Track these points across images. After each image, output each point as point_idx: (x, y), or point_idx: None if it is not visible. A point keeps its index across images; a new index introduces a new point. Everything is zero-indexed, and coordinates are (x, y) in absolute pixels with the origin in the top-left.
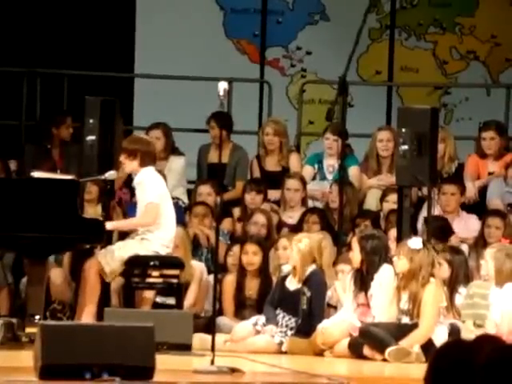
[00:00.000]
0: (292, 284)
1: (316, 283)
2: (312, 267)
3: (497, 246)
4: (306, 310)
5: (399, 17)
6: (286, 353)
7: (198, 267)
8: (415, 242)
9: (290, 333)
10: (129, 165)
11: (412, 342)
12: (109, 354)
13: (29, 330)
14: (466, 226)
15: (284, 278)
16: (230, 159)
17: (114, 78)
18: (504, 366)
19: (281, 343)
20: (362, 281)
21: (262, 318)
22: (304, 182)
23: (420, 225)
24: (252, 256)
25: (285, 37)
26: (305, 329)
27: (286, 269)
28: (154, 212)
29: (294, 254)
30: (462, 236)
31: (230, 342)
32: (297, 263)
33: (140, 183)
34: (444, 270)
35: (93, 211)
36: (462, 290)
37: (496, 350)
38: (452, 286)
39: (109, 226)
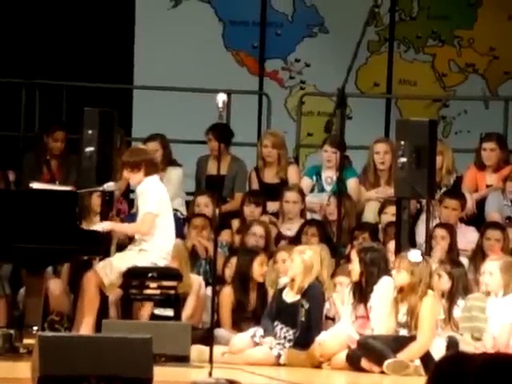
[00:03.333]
0: (289, 296)
1: (315, 295)
2: (310, 279)
3: (501, 258)
4: (305, 322)
5: (398, 29)
6: (284, 365)
7: (195, 279)
8: (415, 255)
9: (287, 345)
10: (134, 178)
11: (410, 355)
12: (107, 365)
13: (27, 341)
14: (464, 239)
15: (281, 290)
16: (229, 171)
17: (113, 90)
18: (494, 373)
19: (279, 356)
20: (361, 293)
21: (259, 330)
22: (302, 194)
23: (419, 237)
24: (266, 268)
25: (284, 49)
26: (303, 341)
27: (282, 281)
28: (150, 222)
29: (297, 265)
30: (461, 248)
31: (227, 354)
32: (297, 274)
33: (142, 192)
34: (444, 282)
35: (91, 223)
36: (460, 302)
37: (486, 358)
38: (452, 298)
39: (105, 225)
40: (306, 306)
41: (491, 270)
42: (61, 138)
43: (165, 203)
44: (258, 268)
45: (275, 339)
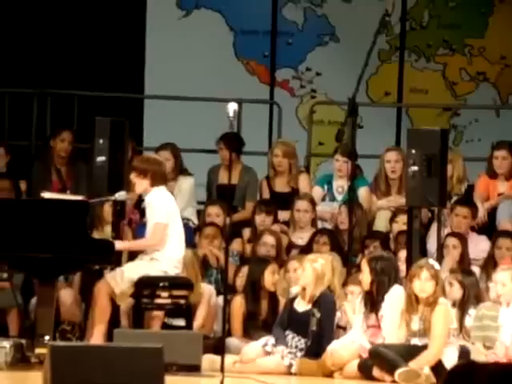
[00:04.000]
0: (300, 306)
1: (326, 304)
2: (322, 288)
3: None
4: (316, 331)
5: (409, 38)
6: (295, 374)
7: (206, 288)
8: (436, 264)
9: (299, 354)
10: (139, 184)
11: (422, 364)
12: (118, 374)
13: (38, 350)
14: (476, 247)
15: (292, 299)
16: (240, 180)
17: (124, 99)
18: (506, 382)
19: (290, 365)
20: (373, 302)
21: (271, 339)
22: (313, 203)
23: (430, 246)
24: (277, 277)
25: (294, 58)
26: (314, 350)
27: (294, 291)
28: (161, 232)
29: (308, 274)
30: (472, 257)
31: (239, 363)
32: (308, 283)
33: (150, 203)
34: (455, 291)
35: (105, 232)
36: (471, 311)
37: (498, 367)
38: (463, 307)
39: (117, 245)
40: (318, 315)
41: (503, 280)
42: (68, 138)
43: (173, 213)
44: (270, 277)
45: (286, 348)
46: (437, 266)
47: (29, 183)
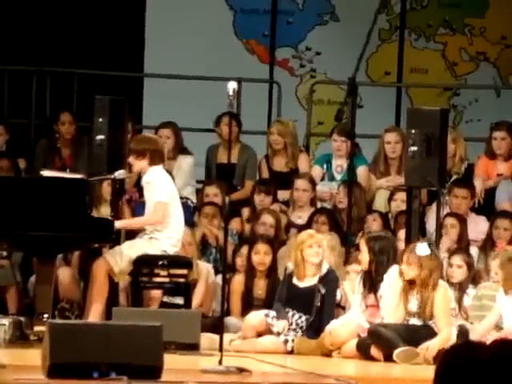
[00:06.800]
0: (301, 282)
1: (331, 281)
2: (326, 265)
3: (501, 254)
4: (319, 307)
5: (409, 18)
6: (294, 353)
7: (204, 267)
8: (422, 248)
9: (299, 332)
10: (138, 164)
11: (438, 345)
12: (117, 353)
13: (37, 328)
14: (475, 228)
15: (290, 275)
16: (239, 159)
17: (124, 78)
18: (508, 360)
19: (286, 341)
20: (371, 282)
21: (272, 312)
22: (313, 183)
23: (429, 226)
24: (263, 256)
25: (294, 37)
26: (316, 326)
27: (291, 266)
28: (163, 211)
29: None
30: (471, 238)
31: (237, 340)
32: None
33: (149, 182)
34: (460, 272)
35: (102, 210)
36: (470, 291)
37: (499, 345)
38: (463, 287)
39: (117, 224)
40: (323, 290)
41: (494, 266)
42: (67, 120)
43: (172, 192)
44: (256, 255)
45: (288, 323)
46: (424, 250)
47: (28, 161)
